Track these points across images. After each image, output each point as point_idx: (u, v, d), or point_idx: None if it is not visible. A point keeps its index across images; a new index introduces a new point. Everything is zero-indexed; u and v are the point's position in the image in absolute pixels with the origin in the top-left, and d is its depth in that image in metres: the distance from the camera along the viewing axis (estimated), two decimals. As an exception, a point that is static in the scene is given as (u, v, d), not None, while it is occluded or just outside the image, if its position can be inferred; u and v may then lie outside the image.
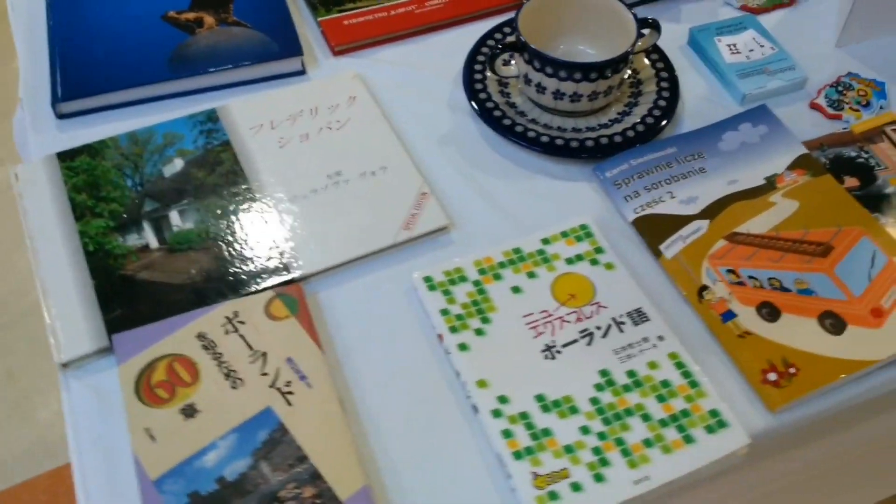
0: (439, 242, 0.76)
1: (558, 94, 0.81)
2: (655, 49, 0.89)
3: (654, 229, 0.75)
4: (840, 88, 0.88)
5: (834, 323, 0.68)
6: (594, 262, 0.73)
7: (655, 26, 0.85)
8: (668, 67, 0.88)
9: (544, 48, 0.80)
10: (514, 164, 0.82)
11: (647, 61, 0.89)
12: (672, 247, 0.74)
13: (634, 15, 0.82)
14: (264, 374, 0.64)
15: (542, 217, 0.78)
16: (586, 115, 0.84)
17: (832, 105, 0.86)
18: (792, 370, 0.65)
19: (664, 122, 0.83)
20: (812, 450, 0.76)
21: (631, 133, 0.82)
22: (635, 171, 0.79)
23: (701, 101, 0.88)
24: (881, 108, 0.86)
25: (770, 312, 0.69)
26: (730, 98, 0.88)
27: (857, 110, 0.86)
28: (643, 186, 0.78)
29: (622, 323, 0.69)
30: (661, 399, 0.64)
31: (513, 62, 0.87)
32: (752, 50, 0.90)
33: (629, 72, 0.88)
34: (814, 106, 0.87)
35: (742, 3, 0.97)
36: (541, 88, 0.82)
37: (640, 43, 0.85)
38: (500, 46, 0.82)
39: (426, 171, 0.81)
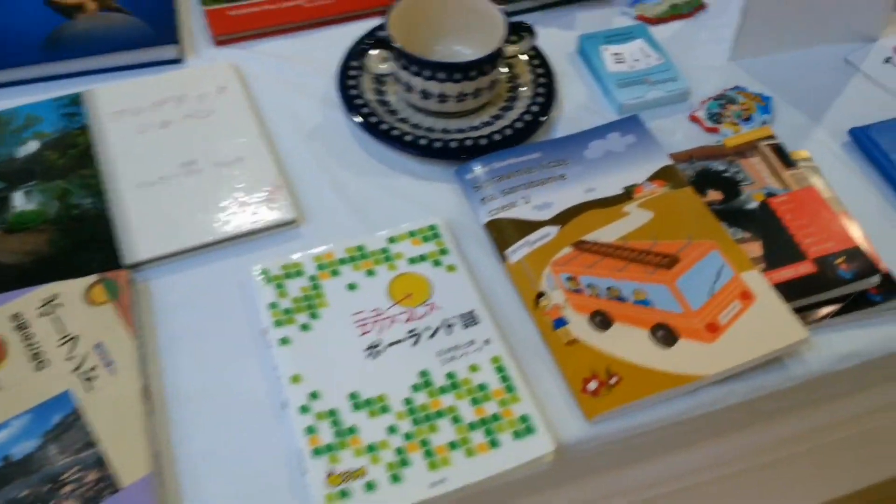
0: (287, 237, 0.75)
1: (426, 94, 0.80)
2: (538, 54, 0.89)
3: (503, 233, 0.74)
4: (723, 102, 0.87)
5: (665, 335, 0.66)
6: (437, 262, 0.72)
7: (529, 31, 0.84)
8: (548, 73, 0.87)
9: (420, 48, 0.79)
10: (380, 163, 0.81)
11: (527, 66, 0.88)
12: (518, 252, 0.72)
13: (506, 18, 0.81)
14: (70, 359, 0.63)
15: (398, 216, 0.76)
16: (459, 117, 0.83)
17: (711, 118, 0.85)
18: (613, 380, 0.64)
19: (533, 128, 0.82)
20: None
21: (497, 137, 0.81)
22: (495, 175, 0.78)
23: (580, 108, 0.87)
24: (763, 123, 0.85)
25: (602, 321, 0.67)
26: (609, 107, 0.87)
27: (736, 124, 0.85)
28: (500, 190, 0.77)
29: (452, 325, 0.67)
30: (475, 402, 0.63)
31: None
32: (637, 60, 0.89)
33: (506, 74, 0.87)
34: (693, 118, 0.86)
35: (639, 13, 0.96)
36: (409, 87, 0.81)
37: (514, 46, 0.85)
38: (370, 43, 0.81)
39: (287, 166, 0.80)
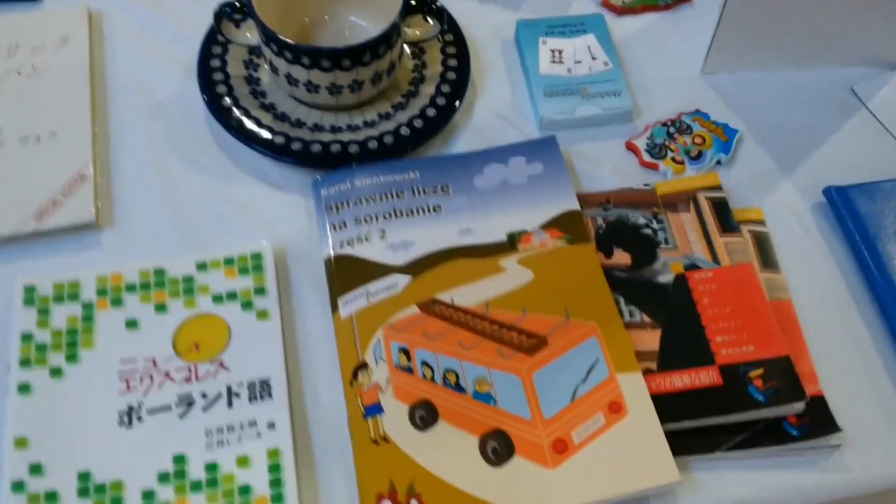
0: (82, 243, 0.61)
1: (291, 80, 0.64)
2: (459, 41, 0.71)
3: (344, 275, 0.59)
4: (673, 129, 0.69)
5: (498, 448, 0.52)
6: (247, 305, 0.57)
7: (438, 14, 0.66)
8: (462, 67, 0.70)
9: (304, 14, 0.63)
10: (229, 160, 0.66)
11: (440, 55, 0.71)
12: (352, 303, 0.58)
13: (405, -4, 0.64)
14: None
15: (230, 234, 0.62)
16: (338, 111, 0.67)
17: (653, 150, 0.68)
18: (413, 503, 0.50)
19: (421, 138, 0.66)
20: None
21: (373, 145, 0.65)
22: (356, 195, 0.62)
23: (496, 117, 0.70)
24: (717, 163, 0.67)
25: (425, 417, 0.53)
26: (533, 119, 0.70)
27: (680, 162, 0.67)
28: (355, 217, 0.61)
29: (237, 395, 0.54)
30: (229, 509, 0.50)
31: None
32: (579, 62, 0.71)
33: (413, 63, 0.70)
34: (630, 147, 0.68)
35: (604, -1, 0.78)
36: (274, 69, 0.65)
37: (417, 30, 0.68)
38: (229, 6, 0.65)
39: (111, 150, 0.66)
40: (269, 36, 0.62)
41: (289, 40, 0.61)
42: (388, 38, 0.63)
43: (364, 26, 0.69)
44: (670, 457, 0.51)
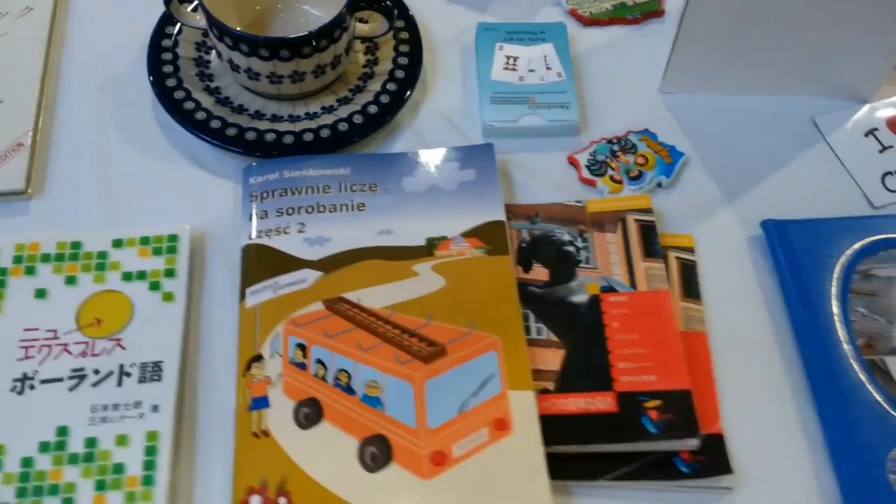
0: (11, 209, 0.62)
1: (234, 65, 0.65)
2: (414, 40, 0.71)
3: (257, 265, 0.59)
4: (617, 147, 0.67)
5: (376, 454, 0.51)
6: (155, 286, 0.58)
7: (388, 12, 0.66)
8: (412, 66, 0.69)
9: (257, 4, 0.64)
10: (168, 141, 0.67)
11: (392, 52, 0.70)
12: (260, 294, 0.57)
13: (352, -9, 0.63)
14: None
15: (156, 214, 0.63)
16: (280, 100, 0.67)
17: (593, 166, 0.66)
18: (282, 501, 0.50)
19: (358, 133, 0.65)
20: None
21: (308, 137, 0.65)
22: (282, 186, 0.62)
23: (442, 119, 0.69)
24: (658, 185, 0.66)
25: (309, 415, 0.53)
26: (479, 124, 0.69)
27: (618, 181, 0.65)
28: (277, 207, 0.61)
29: (128, 374, 0.54)
30: (100, 487, 0.50)
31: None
32: (532, 70, 0.70)
33: (366, 57, 0.70)
34: (572, 161, 0.67)
35: (573, 7, 0.76)
36: (219, 53, 0.66)
37: (367, 26, 0.67)
38: (181, -14, 0.65)
39: (56, 121, 0.66)
40: (210, 21, 0.62)
41: (229, 27, 0.61)
42: (330, 32, 0.62)
43: (318, 15, 0.69)
44: (546, 480, 0.50)
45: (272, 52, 0.62)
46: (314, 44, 0.62)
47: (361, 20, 0.69)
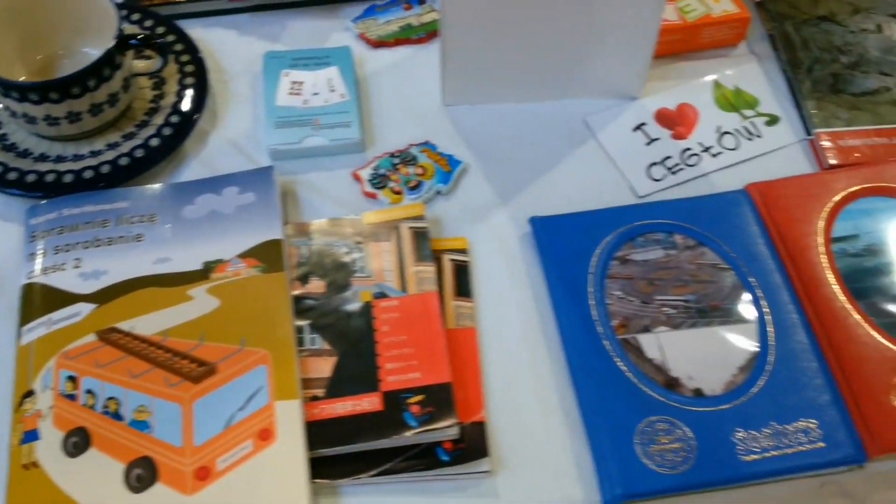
0: None
1: (11, 112, 0.66)
2: (199, 71, 0.73)
3: (33, 303, 0.60)
4: (398, 160, 0.70)
5: (142, 476, 0.53)
6: (-72, 332, 0.58)
7: (161, 49, 0.68)
8: (198, 95, 0.71)
9: (36, 43, 0.65)
10: (-47, 186, 0.67)
11: (177, 85, 0.72)
12: (34, 331, 0.59)
13: (120, 26, 0.65)
14: None
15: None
16: (64, 141, 0.69)
17: (375, 180, 0.69)
18: (46, 530, 0.51)
19: (142, 167, 0.67)
20: None
21: (89, 174, 0.66)
22: (61, 224, 0.64)
23: (231, 147, 0.71)
24: (437, 193, 0.69)
25: (78, 444, 0.54)
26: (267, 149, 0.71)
27: (398, 192, 0.69)
28: (55, 245, 0.62)
29: None
30: None
31: None
32: (317, 93, 0.73)
33: (153, 93, 0.72)
34: (356, 177, 0.70)
35: (361, 31, 0.79)
36: (-3, 101, 0.67)
37: (143, 63, 0.69)
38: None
39: None
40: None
41: (-5, 75, 0.62)
42: (96, 72, 0.64)
43: (94, 55, 0.71)
44: (304, 483, 0.52)
45: (42, 96, 0.63)
46: (84, 84, 0.64)
47: (147, 56, 0.71)
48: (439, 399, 0.56)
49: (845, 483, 0.58)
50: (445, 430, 0.55)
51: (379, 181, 0.69)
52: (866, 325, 0.59)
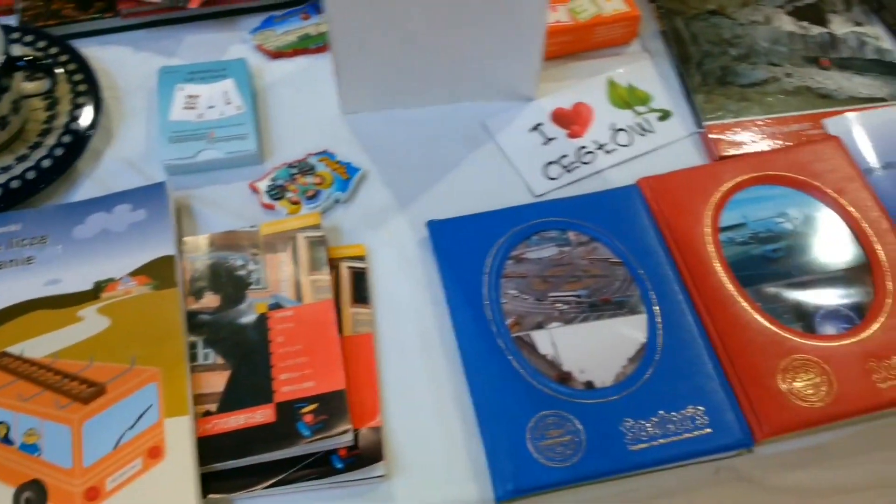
0: None
1: None
2: (92, 89, 0.72)
3: (-80, 332, 0.59)
4: (296, 170, 0.71)
5: (31, 499, 0.52)
6: None
7: (48, 71, 0.67)
8: (91, 115, 0.71)
9: None
10: None
11: (70, 104, 0.72)
12: (-80, 360, 0.58)
13: (7, 53, 0.65)
14: None
15: None
16: (-46, 166, 0.68)
17: (272, 191, 0.69)
18: (-72, 562, 0.50)
19: (32, 189, 0.67)
20: None
21: (-19, 198, 0.66)
22: (-51, 250, 0.63)
23: (126, 165, 0.71)
24: (335, 202, 0.69)
25: (-36, 473, 0.53)
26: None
27: (296, 202, 0.69)
28: (-58, 272, 0.62)
29: None
30: None
31: None
32: (212, 106, 0.73)
33: (46, 114, 0.71)
34: (253, 188, 0.70)
35: (259, 43, 0.79)
36: None
37: (31, 84, 0.69)
38: None
39: None
40: None
41: None
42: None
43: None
44: (193, 500, 0.52)
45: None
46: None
47: (38, 78, 0.71)
48: (333, 407, 0.56)
49: (740, 467, 0.59)
50: (339, 437, 0.55)
51: (277, 192, 0.69)
52: (752, 311, 0.61)
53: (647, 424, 0.56)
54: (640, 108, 0.76)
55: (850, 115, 0.72)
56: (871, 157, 0.70)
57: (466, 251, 0.65)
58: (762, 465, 0.60)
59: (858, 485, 0.70)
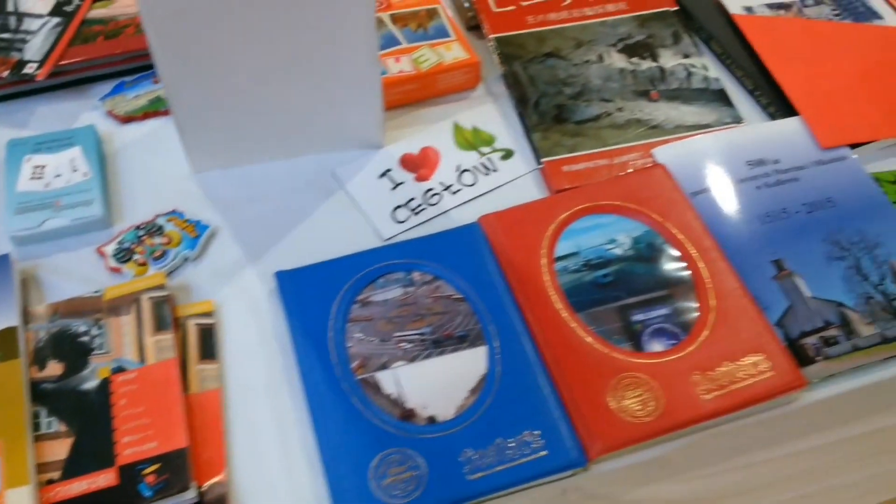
0: None
1: None
2: (-65, 167, 0.72)
3: None
4: (143, 232, 0.71)
5: None
6: None
7: None
8: (-69, 194, 0.71)
9: None
10: None
11: (-90, 183, 0.71)
12: None
13: None
14: None
15: None
16: None
17: (119, 254, 0.70)
18: None
19: None
20: None
21: None
22: None
23: (-28, 237, 0.71)
24: (185, 260, 0.70)
25: None
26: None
27: (143, 264, 0.69)
28: None
29: None
30: None
31: None
32: (59, 175, 0.73)
33: None
34: (100, 253, 0.70)
35: (109, 109, 0.80)
36: None
37: None
38: None
39: None
40: None
41: None
42: None
43: None
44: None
45: None
46: None
47: None
48: (175, 465, 0.57)
49: (587, 486, 0.61)
50: (180, 494, 0.56)
51: (123, 255, 0.70)
52: (584, 335, 0.64)
53: (486, 453, 0.58)
54: (485, 149, 0.79)
55: (676, 144, 0.77)
56: (695, 182, 0.74)
57: (313, 299, 0.66)
58: (609, 481, 0.62)
59: (718, 493, 0.73)
